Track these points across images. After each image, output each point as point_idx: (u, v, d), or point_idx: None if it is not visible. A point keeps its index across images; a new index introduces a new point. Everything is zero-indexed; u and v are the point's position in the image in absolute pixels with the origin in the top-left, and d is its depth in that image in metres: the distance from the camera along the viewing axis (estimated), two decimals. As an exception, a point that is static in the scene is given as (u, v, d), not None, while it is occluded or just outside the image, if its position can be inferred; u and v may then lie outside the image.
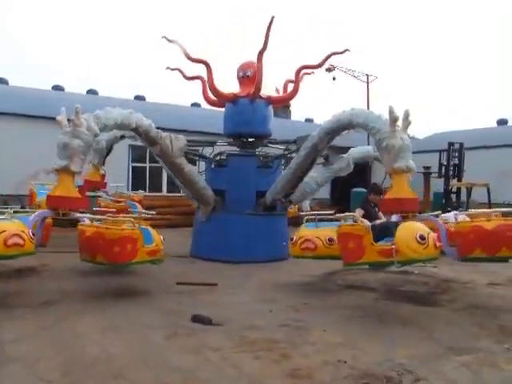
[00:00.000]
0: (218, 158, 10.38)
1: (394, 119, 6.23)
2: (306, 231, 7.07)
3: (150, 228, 6.57)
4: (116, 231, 5.98)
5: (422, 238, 5.57)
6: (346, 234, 6.10)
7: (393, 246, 5.57)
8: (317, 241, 6.83)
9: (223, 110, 10.70)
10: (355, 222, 6.20)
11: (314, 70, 10.48)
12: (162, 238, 6.58)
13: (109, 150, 10.59)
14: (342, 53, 10.01)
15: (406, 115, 6.27)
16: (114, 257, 5.94)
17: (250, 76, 10.19)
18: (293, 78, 10.39)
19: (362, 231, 5.87)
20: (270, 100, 10.24)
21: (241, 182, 9.62)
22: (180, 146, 8.66)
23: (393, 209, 6.18)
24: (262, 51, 9.38)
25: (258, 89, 9.75)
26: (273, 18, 9.06)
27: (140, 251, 6.03)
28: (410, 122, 6.30)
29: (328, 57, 10.05)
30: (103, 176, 10.89)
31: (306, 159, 8.51)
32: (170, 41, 9.93)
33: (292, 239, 7.04)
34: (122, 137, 10.30)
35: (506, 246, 5.58)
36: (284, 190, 9.36)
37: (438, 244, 5.73)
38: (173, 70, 10.47)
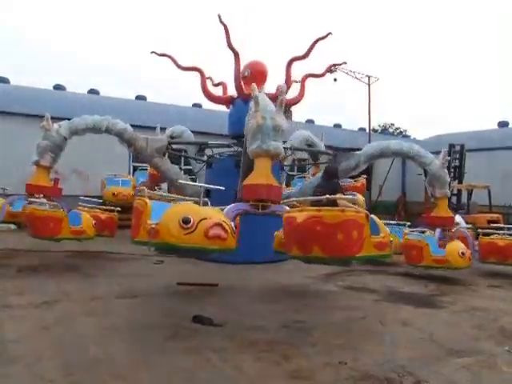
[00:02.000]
0: (207, 159, 10.58)
1: (254, 98, 5.69)
2: (209, 211, 4.94)
3: None
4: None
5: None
6: (349, 222, 4.71)
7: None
8: (227, 227, 4.79)
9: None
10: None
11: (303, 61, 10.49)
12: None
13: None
14: (325, 37, 10.05)
15: (281, 91, 5.65)
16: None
17: (247, 76, 10.30)
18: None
19: (364, 220, 4.82)
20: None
21: (222, 182, 9.57)
22: (156, 147, 9.46)
23: (249, 196, 5.46)
24: (233, 52, 9.63)
25: (237, 89, 9.88)
26: (219, 15, 9.30)
27: None
28: (282, 100, 5.61)
29: (313, 44, 10.09)
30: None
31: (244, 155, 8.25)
32: (159, 55, 10.24)
33: (187, 221, 4.51)
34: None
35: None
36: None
37: None
38: (207, 78, 10.49)
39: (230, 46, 9.66)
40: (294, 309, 5.88)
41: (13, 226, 12.56)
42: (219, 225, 4.65)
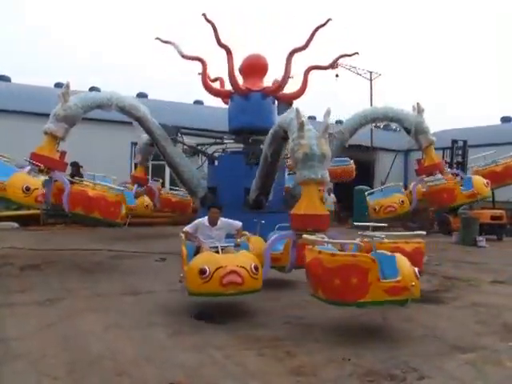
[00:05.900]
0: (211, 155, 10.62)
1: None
2: None
3: None
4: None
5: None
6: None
7: None
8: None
9: (225, 107, 10.79)
10: None
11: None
12: None
13: None
14: (351, 55, 10.20)
15: (65, 85, 8.02)
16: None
17: (244, 70, 10.39)
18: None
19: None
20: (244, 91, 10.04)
21: (228, 178, 9.58)
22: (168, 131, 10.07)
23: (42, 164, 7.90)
24: (224, 49, 9.78)
25: (232, 85, 10.01)
26: (204, 14, 9.52)
27: None
28: (63, 94, 7.92)
29: (338, 58, 10.20)
30: None
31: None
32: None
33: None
34: None
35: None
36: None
37: None
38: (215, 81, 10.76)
39: (219, 43, 9.73)
40: (296, 305, 5.87)
41: (15, 225, 12.60)
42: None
